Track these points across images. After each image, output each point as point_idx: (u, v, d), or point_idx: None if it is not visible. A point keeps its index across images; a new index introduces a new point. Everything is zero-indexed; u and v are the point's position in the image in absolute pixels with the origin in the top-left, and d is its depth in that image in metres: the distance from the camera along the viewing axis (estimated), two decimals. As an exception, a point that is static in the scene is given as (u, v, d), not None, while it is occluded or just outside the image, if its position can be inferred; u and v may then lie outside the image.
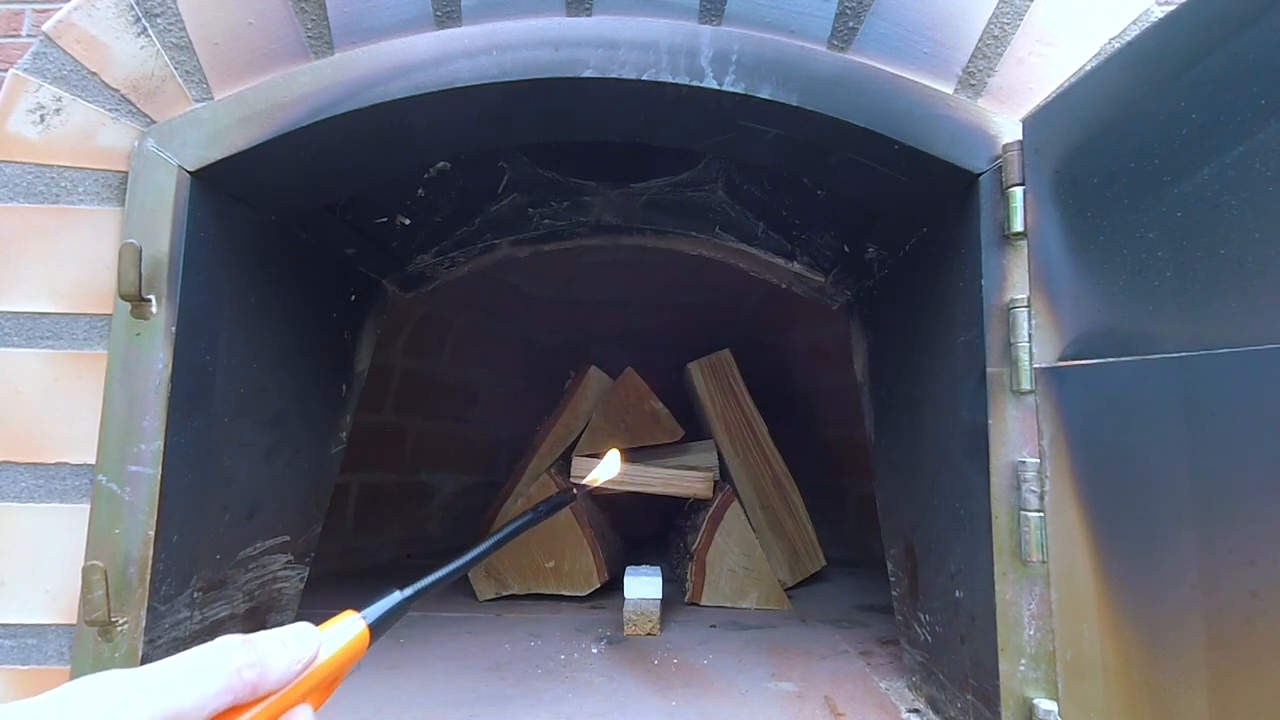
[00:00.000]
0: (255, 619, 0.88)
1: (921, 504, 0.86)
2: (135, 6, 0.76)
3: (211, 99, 0.77)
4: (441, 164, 0.99)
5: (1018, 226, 0.70)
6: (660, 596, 1.16)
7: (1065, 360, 0.65)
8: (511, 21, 0.75)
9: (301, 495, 0.98)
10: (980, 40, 0.75)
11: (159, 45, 0.76)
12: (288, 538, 0.94)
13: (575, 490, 0.70)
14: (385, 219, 1.04)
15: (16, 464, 0.74)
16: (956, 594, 0.76)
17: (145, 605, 0.70)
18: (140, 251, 0.72)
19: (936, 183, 0.78)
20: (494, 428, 2.02)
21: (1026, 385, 0.68)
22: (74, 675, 0.70)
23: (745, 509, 1.36)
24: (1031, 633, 0.66)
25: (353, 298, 1.09)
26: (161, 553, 0.71)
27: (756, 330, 2.03)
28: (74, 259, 0.76)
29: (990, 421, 0.69)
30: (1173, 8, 0.57)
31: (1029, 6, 0.74)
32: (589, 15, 0.75)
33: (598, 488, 1.41)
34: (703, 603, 1.33)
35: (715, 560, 1.32)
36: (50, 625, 0.72)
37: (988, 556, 0.69)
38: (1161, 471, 0.55)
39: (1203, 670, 0.51)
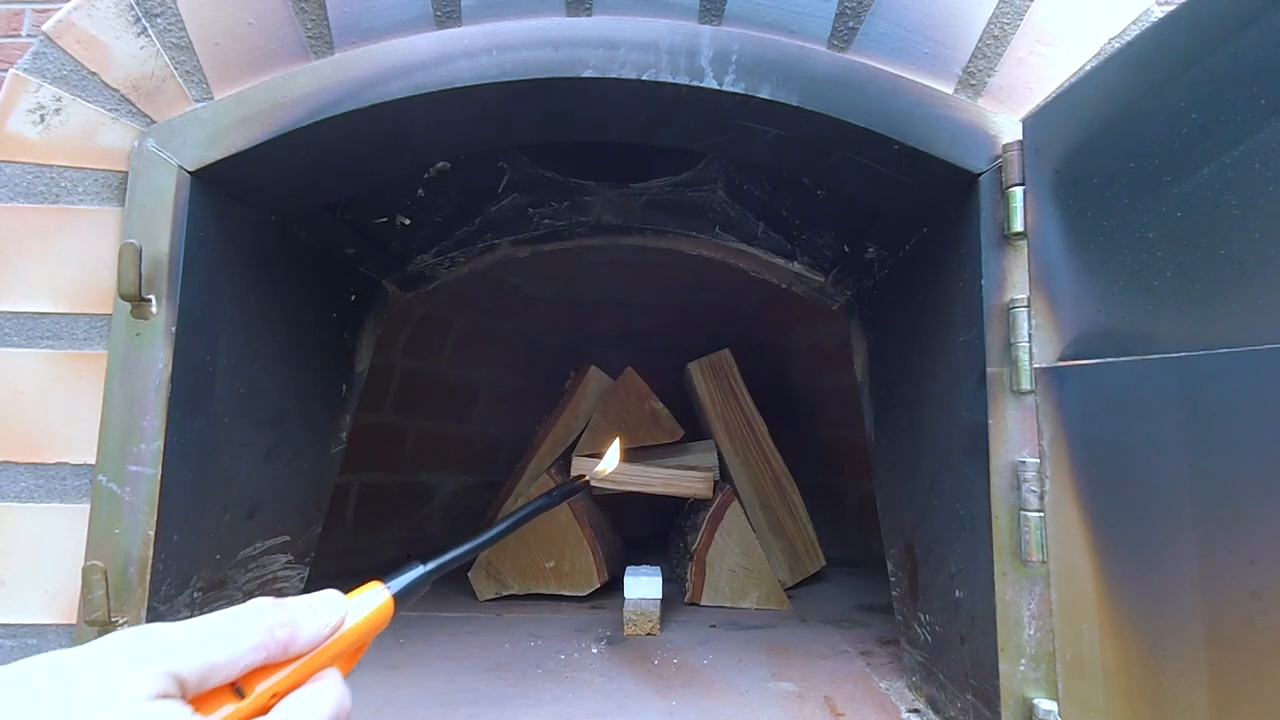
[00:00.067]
0: (255, 619, 0.88)
1: (921, 504, 0.86)
2: (135, 6, 0.76)
3: (211, 99, 0.77)
4: (441, 164, 0.99)
5: (1018, 226, 0.70)
6: (660, 596, 1.16)
7: (1065, 360, 0.65)
8: (511, 21, 0.75)
9: (301, 495, 0.98)
10: (980, 40, 0.75)
11: (159, 45, 0.76)
12: (288, 538, 0.94)
13: (587, 478, 0.73)
14: (385, 219, 1.04)
15: (16, 464, 0.74)
16: (956, 594, 0.76)
17: (145, 605, 0.70)
18: (140, 251, 0.72)
19: (936, 183, 0.78)
20: (494, 428, 2.02)
21: (1026, 385, 0.68)
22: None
23: (745, 509, 1.36)
24: (1031, 633, 0.66)
25: (353, 298, 1.09)
26: (161, 553, 0.71)
27: (756, 330, 2.03)
28: (74, 259, 0.76)
29: (990, 421, 0.69)
30: (1173, 8, 0.57)
31: (1029, 6, 0.74)
32: (589, 15, 0.75)
33: (598, 487, 1.41)
34: (703, 603, 1.33)
35: (715, 560, 1.32)
36: (50, 625, 0.72)
37: (988, 556, 0.69)
38: (1161, 471, 0.55)
39: (1203, 670, 0.51)
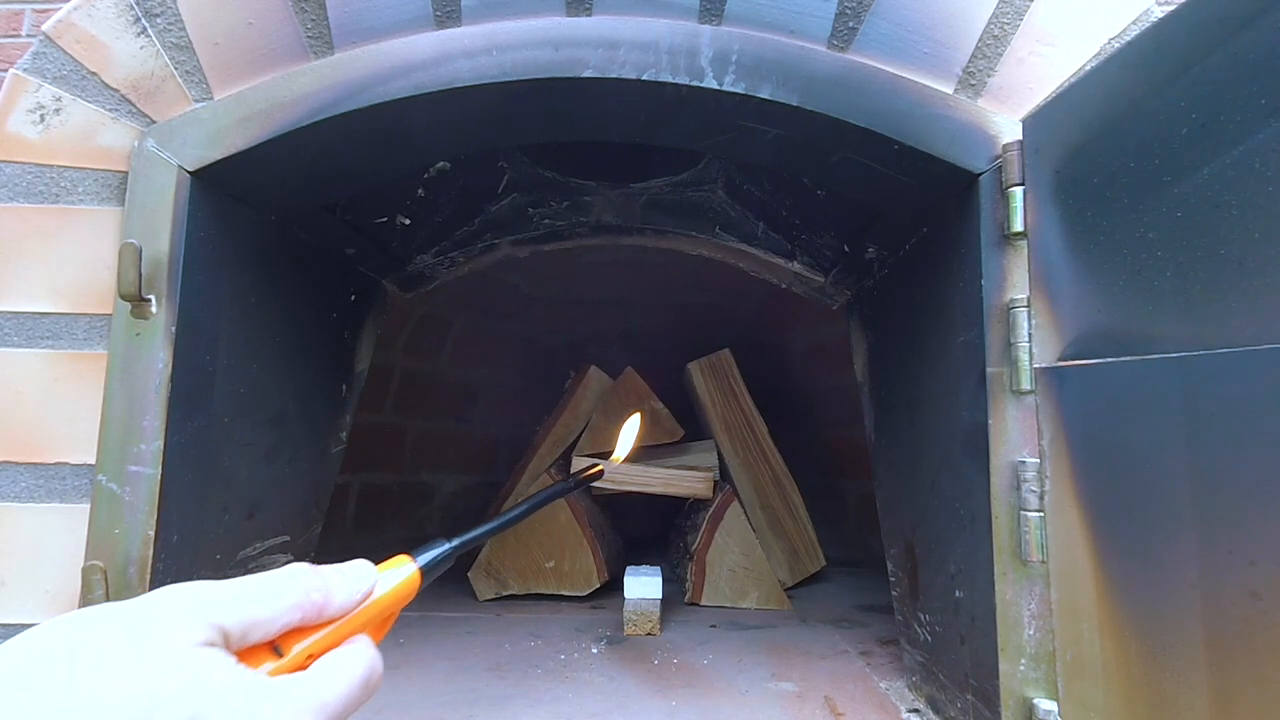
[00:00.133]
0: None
1: (921, 504, 0.86)
2: (135, 6, 0.76)
3: (211, 99, 0.77)
4: (441, 164, 0.99)
5: (1018, 226, 0.70)
6: (660, 596, 1.16)
7: (1065, 360, 0.65)
8: (511, 21, 0.75)
9: (301, 495, 0.98)
10: (980, 40, 0.75)
11: (159, 45, 0.76)
12: (288, 538, 0.94)
13: (603, 467, 0.76)
14: (385, 219, 1.04)
15: (16, 464, 0.74)
16: (956, 594, 0.76)
17: (145, 605, 0.70)
18: (140, 251, 0.72)
19: (936, 183, 0.78)
20: (494, 428, 2.03)
21: (1026, 385, 0.68)
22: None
23: (745, 509, 1.36)
24: (1031, 633, 0.66)
25: (353, 298, 1.09)
26: (161, 553, 0.71)
27: (756, 330, 2.03)
28: (74, 259, 0.76)
29: (990, 421, 0.69)
30: (1173, 8, 0.57)
31: (1029, 6, 0.74)
32: (589, 15, 0.75)
33: (598, 487, 1.42)
34: (703, 603, 1.33)
35: (715, 560, 1.32)
36: (50, 625, 0.72)
37: (988, 556, 0.69)
38: (1161, 471, 0.55)
39: (1203, 670, 0.51)
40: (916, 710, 0.85)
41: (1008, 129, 0.73)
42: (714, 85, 0.74)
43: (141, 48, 0.76)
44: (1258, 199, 0.48)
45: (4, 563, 0.73)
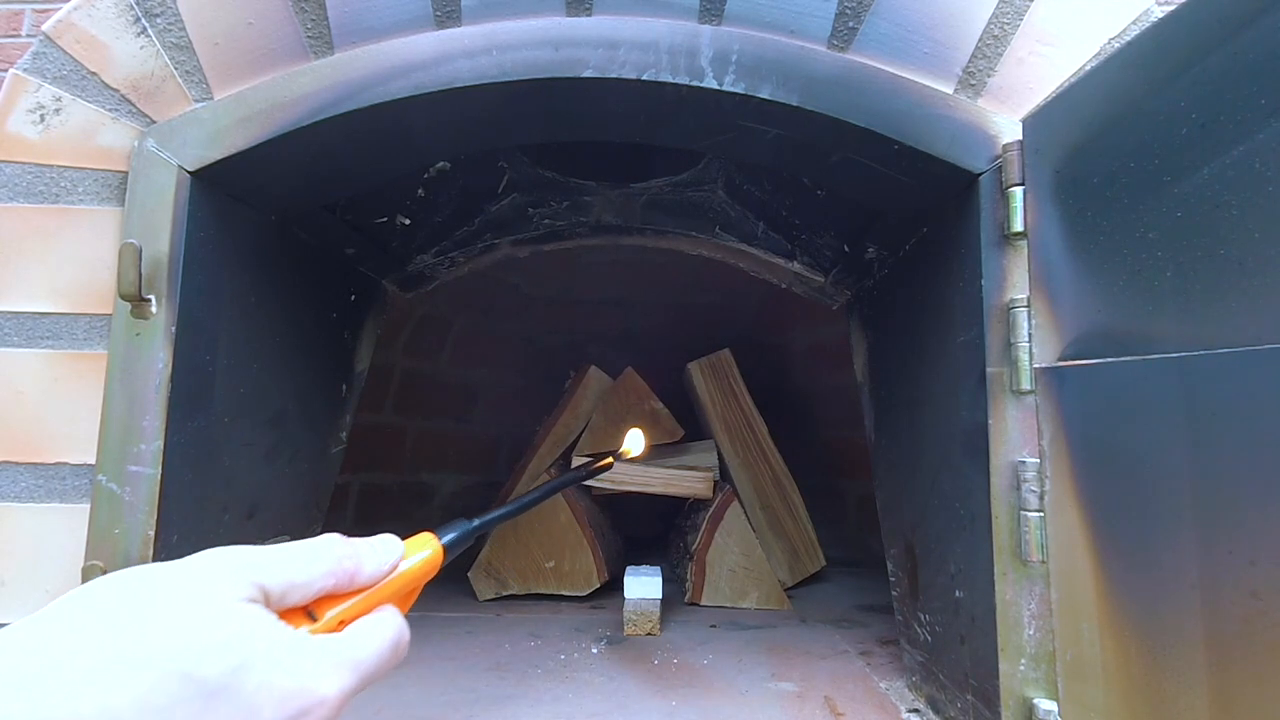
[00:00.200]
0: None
1: (921, 504, 0.86)
2: (135, 6, 0.76)
3: (211, 99, 0.77)
4: (441, 164, 0.99)
5: (1018, 226, 0.70)
6: (660, 596, 1.16)
7: (1065, 360, 0.65)
8: (511, 21, 0.75)
9: (301, 495, 0.98)
10: (980, 40, 0.75)
11: (159, 45, 0.76)
12: (288, 538, 0.94)
13: (613, 459, 0.78)
14: (385, 219, 1.04)
15: (16, 464, 0.74)
16: (956, 594, 0.76)
17: (145, 605, 0.70)
18: (140, 251, 0.72)
19: (936, 183, 0.78)
20: (494, 428, 2.02)
21: (1026, 385, 0.68)
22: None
23: (745, 509, 1.36)
24: (1031, 633, 0.66)
25: (353, 298, 1.09)
26: (161, 553, 0.71)
27: (756, 330, 2.03)
28: (74, 259, 0.76)
29: (990, 421, 0.69)
30: (1173, 8, 0.57)
31: (1029, 6, 0.74)
32: (589, 15, 0.75)
33: (598, 487, 1.42)
34: (703, 603, 1.33)
35: (715, 560, 1.32)
36: (50, 625, 0.72)
37: (988, 556, 0.69)
38: (1161, 471, 0.55)
39: (1202, 670, 0.51)
40: (916, 710, 0.85)
41: (1008, 129, 0.73)
42: (714, 85, 0.74)
43: (141, 48, 0.76)
44: (1258, 199, 0.48)
45: (4, 563, 0.73)
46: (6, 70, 0.77)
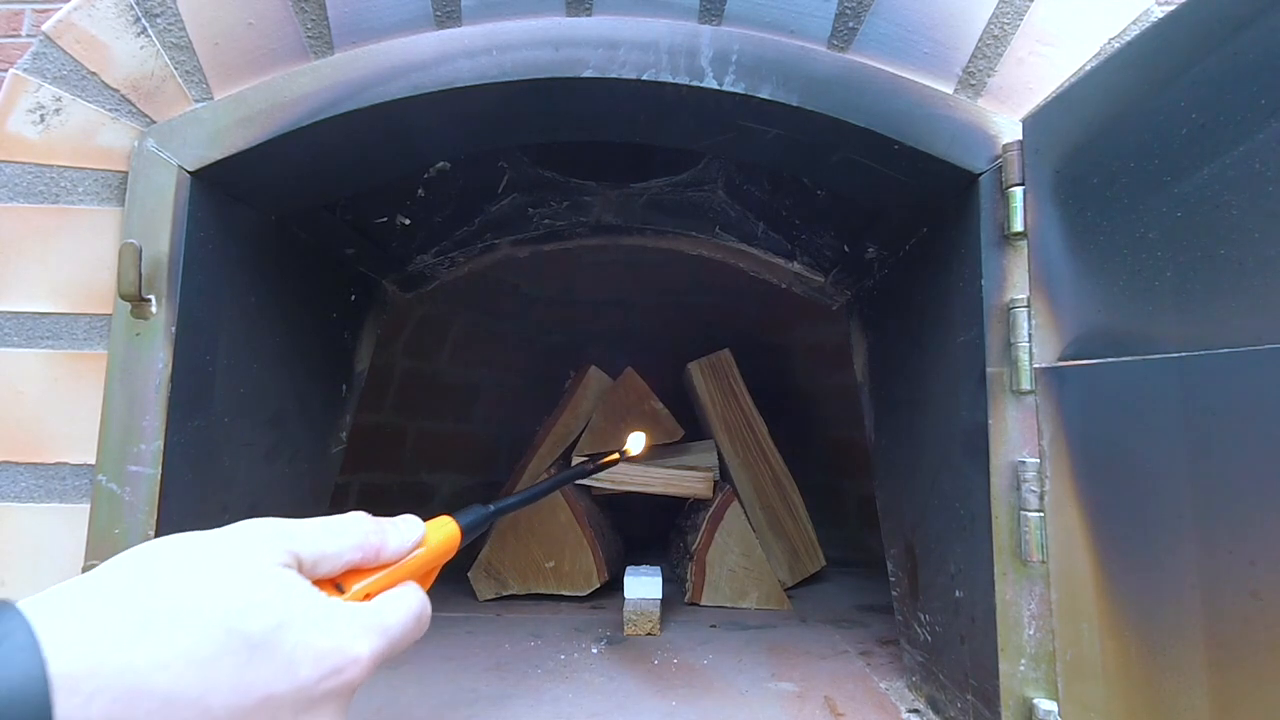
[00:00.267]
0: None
1: (921, 504, 0.86)
2: (135, 6, 0.76)
3: (211, 99, 0.77)
4: (441, 164, 0.99)
5: (1018, 226, 0.70)
6: (660, 596, 1.16)
7: (1065, 360, 0.65)
8: (511, 21, 0.75)
9: (301, 495, 0.98)
10: (980, 40, 0.75)
11: (159, 45, 0.76)
12: (288, 538, 0.94)
13: (618, 456, 0.80)
14: (385, 219, 1.04)
15: (16, 464, 0.74)
16: (956, 594, 0.76)
17: (145, 605, 0.70)
18: (140, 251, 0.72)
19: (936, 183, 0.78)
20: (494, 428, 2.02)
21: (1026, 385, 0.68)
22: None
23: (745, 509, 1.36)
24: (1031, 633, 0.66)
25: (352, 298, 1.09)
26: (161, 553, 0.71)
27: (756, 330, 2.03)
28: (74, 259, 0.76)
29: (990, 421, 0.69)
30: (1173, 8, 0.57)
31: (1029, 6, 0.74)
32: (589, 15, 0.75)
33: (598, 487, 1.42)
34: (703, 603, 1.33)
35: (715, 560, 1.32)
36: (50, 625, 0.72)
37: (988, 556, 0.69)
38: (1161, 471, 0.55)
39: (1203, 670, 0.51)
40: (916, 710, 0.85)
41: (1008, 129, 0.73)
42: (714, 85, 0.74)
43: (141, 48, 0.76)
44: (1258, 199, 0.48)
45: (4, 563, 0.73)
46: (6, 70, 0.77)
